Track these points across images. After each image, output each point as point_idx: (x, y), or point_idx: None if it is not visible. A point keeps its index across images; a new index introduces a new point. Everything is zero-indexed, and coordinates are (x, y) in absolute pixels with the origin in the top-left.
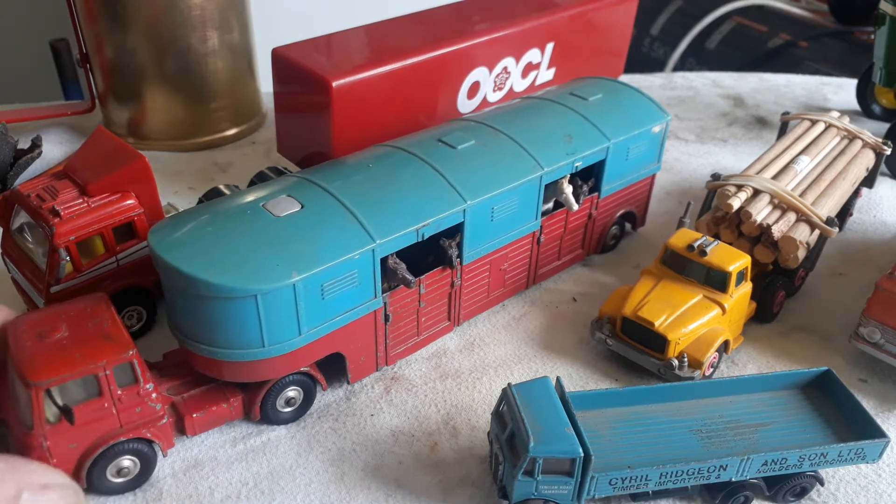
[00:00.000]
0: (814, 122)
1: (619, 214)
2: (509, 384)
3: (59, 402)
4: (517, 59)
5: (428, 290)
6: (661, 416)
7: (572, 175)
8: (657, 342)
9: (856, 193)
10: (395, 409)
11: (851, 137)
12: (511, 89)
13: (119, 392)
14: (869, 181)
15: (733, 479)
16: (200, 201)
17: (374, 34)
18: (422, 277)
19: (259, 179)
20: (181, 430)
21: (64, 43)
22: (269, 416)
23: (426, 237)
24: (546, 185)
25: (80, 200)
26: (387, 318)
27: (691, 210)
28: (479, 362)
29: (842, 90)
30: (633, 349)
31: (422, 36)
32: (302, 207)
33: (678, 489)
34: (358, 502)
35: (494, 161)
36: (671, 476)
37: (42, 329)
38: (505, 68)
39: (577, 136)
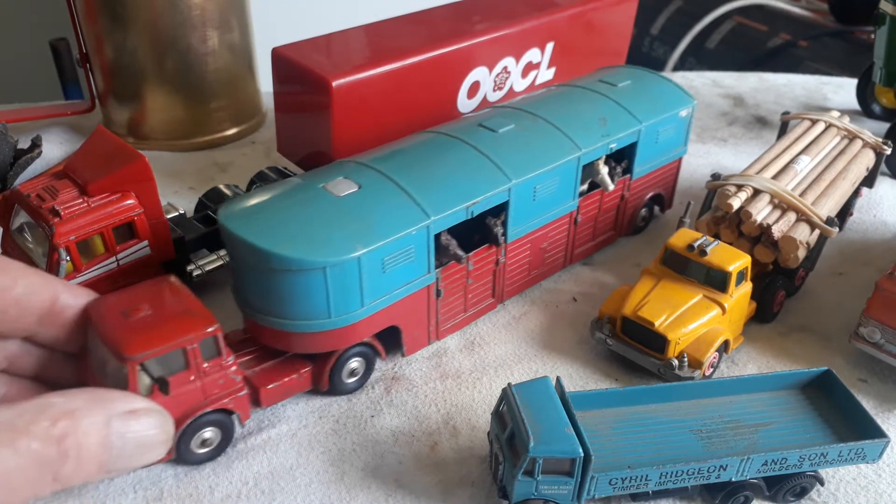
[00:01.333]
0: (814, 122)
1: (648, 197)
2: (509, 384)
3: (154, 374)
4: (517, 59)
5: (475, 267)
6: (661, 416)
7: (607, 157)
8: (657, 342)
9: (856, 193)
10: (396, 410)
11: (851, 137)
12: (511, 89)
13: (204, 365)
14: (869, 181)
15: (733, 479)
16: (201, 202)
17: (374, 34)
18: (470, 255)
19: (259, 179)
20: (255, 402)
21: (64, 43)
22: (335, 387)
23: (475, 215)
24: (583, 167)
25: (80, 200)
26: (438, 294)
27: (691, 210)
28: (479, 362)
29: (842, 90)
30: (633, 349)
31: (422, 36)
32: (359, 188)
33: (678, 489)
34: (358, 502)
35: (535, 143)
36: (671, 476)
37: (125, 308)
38: (505, 68)
39: (610, 120)
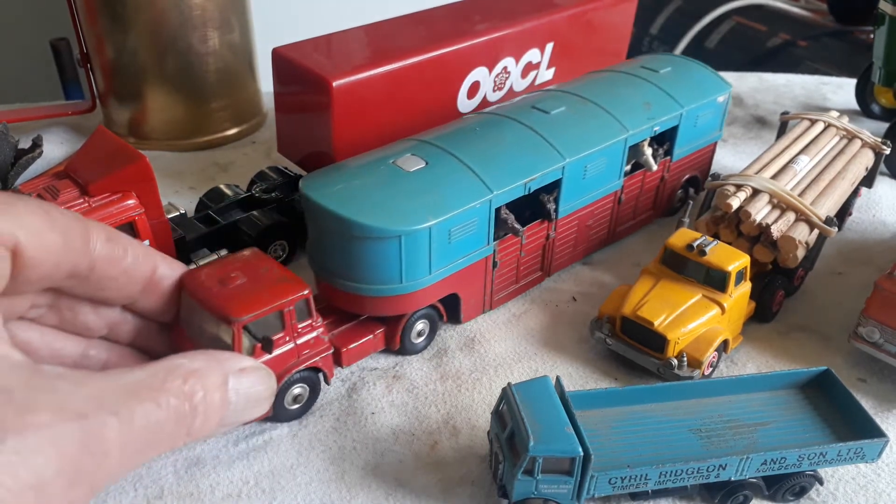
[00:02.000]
0: (813, 122)
1: (685, 178)
2: (509, 383)
3: (258, 335)
4: (517, 59)
5: (528, 241)
6: (661, 415)
7: (650, 139)
8: (656, 341)
9: (855, 193)
10: (396, 408)
11: (851, 137)
12: (511, 89)
13: (299, 326)
14: (868, 181)
15: (732, 479)
16: (201, 201)
17: (374, 34)
18: (524, 229)
19: (260, 179)
20: (338, 361)
21: (64, 43)
22: (406, 347)
23: (532, 191)
24: (629, 148)
25: (81, 200)
26: (495, 265)
27: (691, 210)
28: (479, 361)
29: (841, 90)
30: (633, 348)
31: (422, 36)
32: (427, 164)
33: (677, 488)
34: (358, 501)
35: (585, 124)
36: (670, 475)
37: (221, 277)
38: (505, 68)
39: (654, 104)
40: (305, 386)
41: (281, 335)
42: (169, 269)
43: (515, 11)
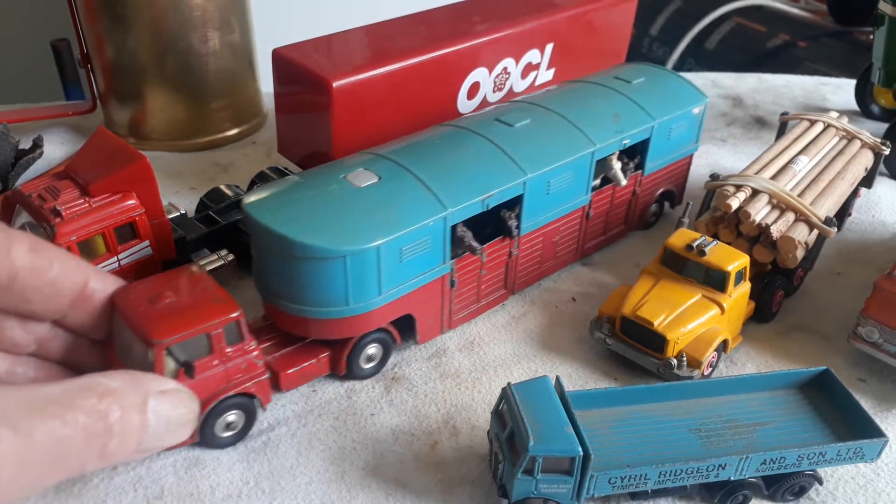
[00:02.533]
0: (812, 123)
1: (659, 192)
2: (509, 383)
3: (180, 358)
4: (517, 60)
5: (489, 259)
6: (660, 415)
7: (620, 152)
8: (656, 342)
9: (854, 193)
10: (396, 409)
11: (850, 137)
12: (511, 90)
13: (228, 349)
14: (867, 181)
15: (732, 479)
16: (202, 202)
17: (374, 34)
18: (484, 246)
19: (260, 179)
20: (276, 386)
21: (65, 43)
22: (353, 372)
23: (490, 207)
24: (596, 162)
25: (82, 201)
26: (453, 284)
27: (690, 210)
28: (478, 362)
29: (840, 90)
30: (633, 349)
31: (422, 36)
32: (379, 179)
33: (677, 488)
34: (358, 501)
35: (549, 138)
36: (670, 475)
37: (151, 295)
38: (505, 69)
39: (624, 116)
40: (240, 412)
41: (208, 359)
42: (101, 284)
43: (515, 12)
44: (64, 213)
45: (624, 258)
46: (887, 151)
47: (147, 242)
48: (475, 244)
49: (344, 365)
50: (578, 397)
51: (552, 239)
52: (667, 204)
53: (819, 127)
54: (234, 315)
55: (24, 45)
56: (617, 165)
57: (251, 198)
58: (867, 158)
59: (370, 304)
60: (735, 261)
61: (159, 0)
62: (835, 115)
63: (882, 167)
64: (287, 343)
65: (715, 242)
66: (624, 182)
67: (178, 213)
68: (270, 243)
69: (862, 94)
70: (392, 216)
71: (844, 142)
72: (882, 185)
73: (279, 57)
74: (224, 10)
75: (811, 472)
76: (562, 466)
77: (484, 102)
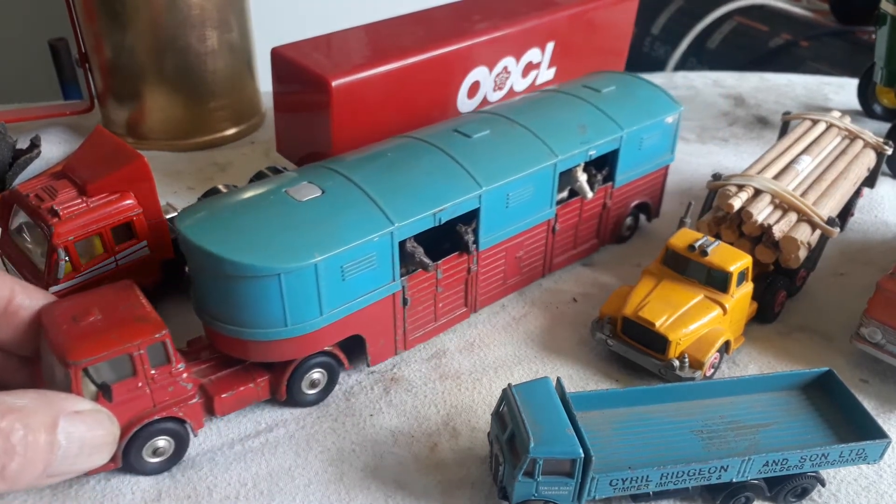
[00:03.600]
0: (815, 122)
1: (633, 205)
2: (509, 385)
3: (97, 380)
4: (517, 59)
5: (445, 276)
6: (662, 416)
7: (587, 164)
8: (658, 342)
9: (857, 193)
10: (395, 410)
11: (852, 137)
12: (511, 89)
13: (152, 371)
14: (870, 181)
15: (734, 480)
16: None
17: (373, 34)
18: (439, 262)
19: (258, 179)
20: (210, 410)
21: (63, 43)
22: (294, 398)
23: (443, 221)
24: (561, 174)
25: (79, 200)
26: (405, 302)
27: (692, 210)
28: (478, 363)
29: (843, 90)
30: (634, 349)
31: (422, 36)
32: (323, 193)
33: (679, 490)
34: (357, 503)
35: (509, 149)
36: (672, 477)
37: (76, 313)
38: (505, 68)
39: (591, 126)
40: (169, 438)
41: (131, 381)
42: (28, 300)
43: (516, 11)
44: (61, 213)
45: (625, 258)
46: (890, 151)
47: (145, 242)
48: (427, 260)
49: (284, 390)
50: (579, 398)
51: (516, 254)
52: (643, 217)
53: (821, 127)
54: (158, 336)
55: (22, 44)
56: (582, 178)
57: (185, 213)
58: (869, 158)
59: (310, 324)
60: (737, 261)
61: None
62: (837, 114)
63: (884, 167)
64: (226, 365)
65: (717, 243)
66: (590, 195)
67: (175, 213)
68: (202, 261)
69: (864, 94)
70: (333, 232)
71: (847, 142)
72: (884, 184)
73: (278, 56)
74: (223, 10)
75: (814, 474)
76: (563, 468)
77: (484, 101)
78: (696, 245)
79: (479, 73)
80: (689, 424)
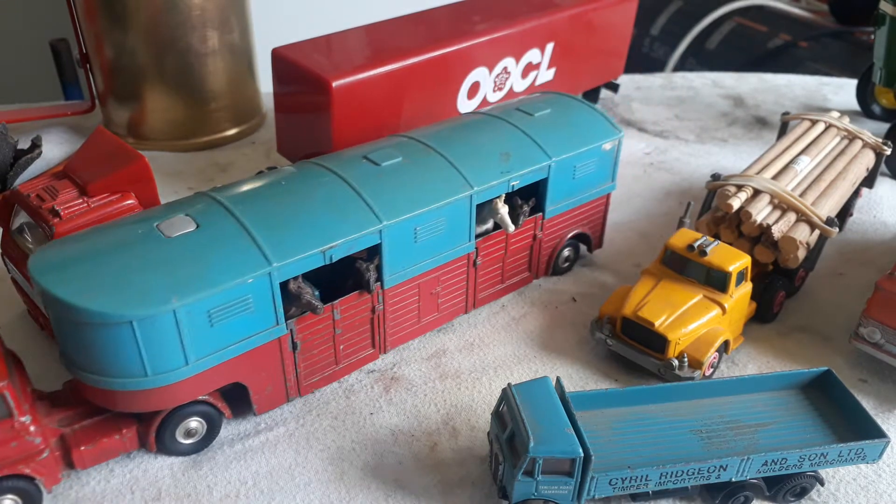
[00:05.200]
0: (814, 123)
1: (570, 236)
2: (509, 384)
3: None
4: (517, 60)
5: (344, 316)
6: (661, 416)
7: (511, 195)
8: (657, 342)
9: (856, 193)
10: (395, 409)
11: (851, 137)
12: (511, 89)
13: None
14: (869, 181)
15: (733, 479)
16: None
17: (373, 34)
18: (335, 303)
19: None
20: (70, 464)
21: (64, 43)
22: (167, 448)
23: (334, 259)
24: (479, 205)
25: (80, 201)
26: (295, 347)
27: (691, 210)
28: (478, 362)
29: (842, 90)
30: (633, 349)
31: (422, 36)
32: (197, 227)
33: (678, 489)
34: (357, 502)
35: (420, 180)
36: (671, 476)
37: None
38: (505, 68)
39: (516, 154)
40: (15, 497)
41: None
42: None
43: (515, 11)
44: (62, 213)
45: (624, 258)
46: (889, 151)
47: None
48: (315, 302)
49: (153, 441)
50: (579, 398)
51: (430, 290)
52: (584, 247)
53: (820, 127)
54: None
55: (23, 45)
56: (503, 210)
57: (41, 252)
58: (868, 158)
59: (175, 374)
60: (736, 261)
61: (158, 0)
62: (836, 115)
63: (883, 167)
64: (95, 413)
65: (716, 243)
66: (513, 228)
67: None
68: (52, 305)
69: (863, 94)
70: (199, 273)
71: (846, 142)
72: (883, 185)
73: (278, 56)
74: (223, 10)
75: (812, 473)
76: (562, 468)
77: (484, 102)
78: (696, 245)
79: (479, 74)
80: (688, 424)
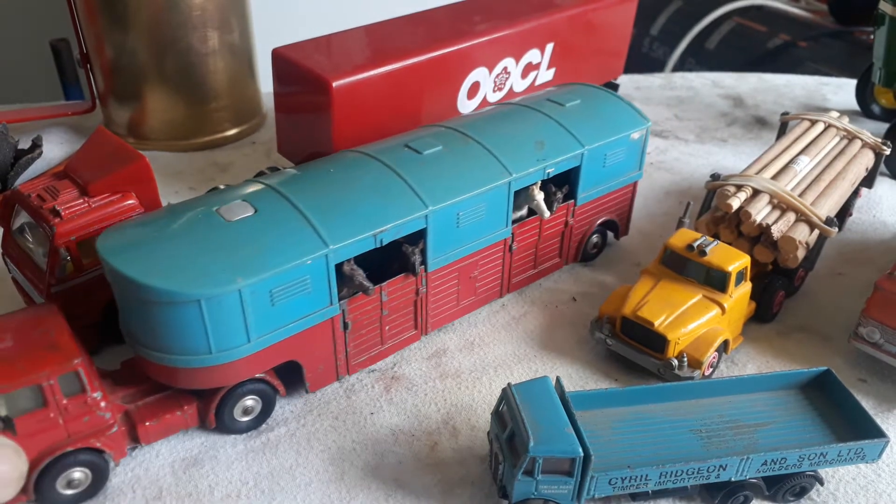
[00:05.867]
0: (813, 123)
1: (599, 223)
2: (509, 384)
3: (2, 413)
4: (517, 60)
5: (391, 298)
6: (661, 415)
7: (545, 182)
8: (657, 342)
9: (855, 193)
10: (395, 408)
11: (851, 137)
12: (511, 90)
13: (65, 401)
14: (868, 181)
15: (733, 479)
16: None
17: (374, 34)
18: (383, 285)
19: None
20: (135, 438)
21: (64, 43)
22: (225, 425)
23: (385, 243)
24: (516, 192)
25: (81, 200)
26: (346, 326)
27: (691, 210)
28: (479, 362)
29: (841, 90)
30: (633, 349)
31: (422, 36)
32: (256, 212)
33: (678, 489)
34: (358, 501)
35: (461, 167)
36: (671, 476)
37: None
38: (505, 68)
39: (550, 143)
40: (86, 470)
41: (41, 412)
42: None
43: (515, 12)
44: (63, 213)
45: (624, 258)
46: (888, 151)
47: None
48: (367, 283)
49: (213, 418)
50: (579, 398)
51: (469, 274)
52: (611, 234)
53: (820, 127)
54: (70, 364)
55: (23, 45)
56: (539, 196)
57: (107, 233)
58: (868, 158)
59: (238, 351)
60: (736, 261)
61: (158, 0)
62: (835, 114)
63: (883, 167)
64: (156, 390)
65: (715, 242)
66: (548, 214)
67: None
68: (121, 286)
69: (862, 94)
70: (262, 254)
71: (845, 142)
72: (883, 185)
73: (279, 57)
74: (224, 10)
75: (812, 473)
76: (562, 467)
77: (484, 102)
78: (695, 245)
79: (478, 74)
80: (687, 423)
